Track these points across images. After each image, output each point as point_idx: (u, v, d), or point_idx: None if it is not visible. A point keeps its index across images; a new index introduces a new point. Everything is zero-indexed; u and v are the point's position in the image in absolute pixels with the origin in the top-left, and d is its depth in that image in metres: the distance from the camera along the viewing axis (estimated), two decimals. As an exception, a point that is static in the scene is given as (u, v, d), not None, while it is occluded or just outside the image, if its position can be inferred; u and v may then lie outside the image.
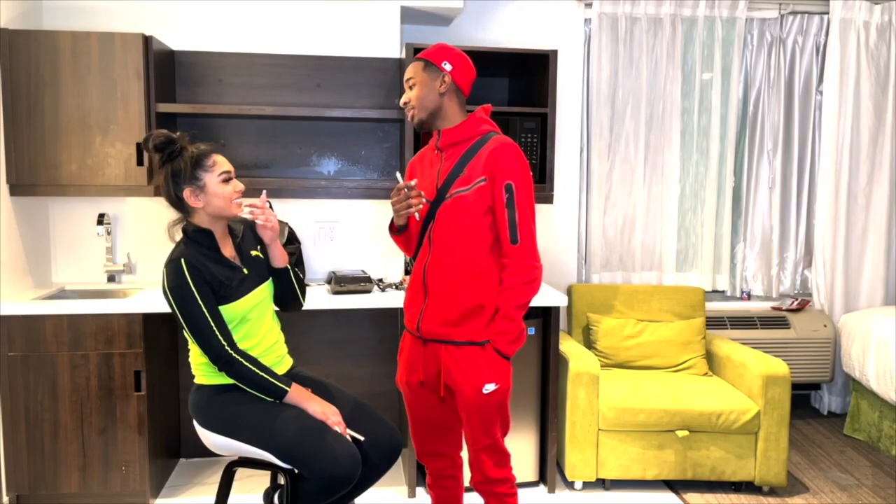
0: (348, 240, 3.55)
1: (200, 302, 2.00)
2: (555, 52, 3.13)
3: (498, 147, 2.03)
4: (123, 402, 2.83)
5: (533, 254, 2.05)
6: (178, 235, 2.11)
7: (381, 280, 3.32)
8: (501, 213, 2.03)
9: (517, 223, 2.02)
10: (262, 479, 2.84)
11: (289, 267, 2.23)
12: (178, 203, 2.07)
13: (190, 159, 2.03)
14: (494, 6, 3.64)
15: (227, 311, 2.05)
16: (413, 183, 2.09)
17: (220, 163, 2.07)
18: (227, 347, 2.01)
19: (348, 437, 2.07)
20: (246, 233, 2.21)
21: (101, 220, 3.23)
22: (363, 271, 3.25)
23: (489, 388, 2.06)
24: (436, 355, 2.13)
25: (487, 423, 2.11)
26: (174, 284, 2.00)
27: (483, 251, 2.07)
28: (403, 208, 2.09)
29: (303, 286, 2.30)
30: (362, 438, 2.12)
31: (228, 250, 2.14)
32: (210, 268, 2.04)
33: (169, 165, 2.05)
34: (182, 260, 2.00)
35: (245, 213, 2.10)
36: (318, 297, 3.01)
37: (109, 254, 3.34)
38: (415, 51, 2.98)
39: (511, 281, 2.03)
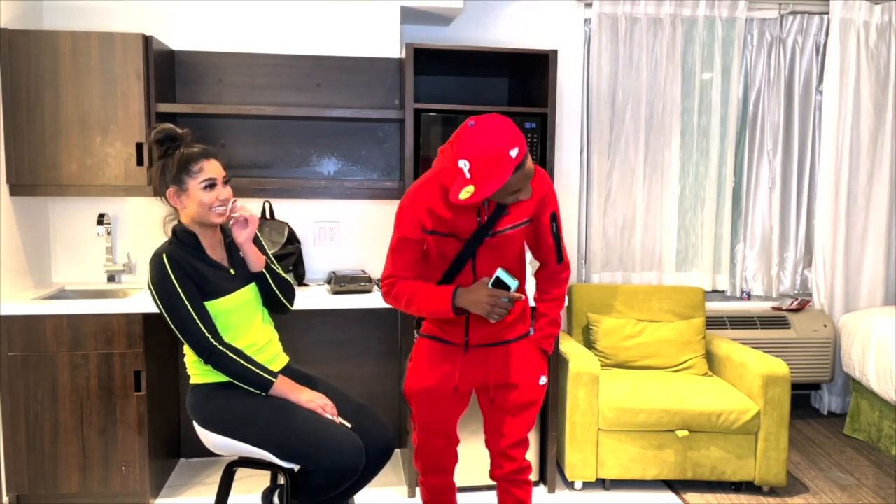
0: (348, 240, 3.55)
1: (183, 296, 2.00)
2: (555, 52, 3.13)
3: (541, 184, 2.07)
4: (123, 402, 2.83)
5: (569, 265, 2.25)
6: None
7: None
8: (547, 240, 2.15)
9: (562, 246, 2.18)
10: (262, 479, 2.83)
11: (265, 272, 2.19)
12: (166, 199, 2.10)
13: (178, 161, 2.04)
14: (494, 6, 3.64)
15: (211, 307, 2.06)
16: (519, 295, 2.02)
17: (207, 169, 2.05)
18: (210, 339, 2.02)
19: (339, 421, 2.09)
20: None
21: (101, 220, 3.24)
22: (363, 271, 3.25)
23: (544, 379, 2.21)
24: (482, 359, 2.16)
25: (535, 414, 2.24)
26: (156, 279, 2.01)
27: (521, 266, 2.18)
28: (502, 315, 2.01)
29: (287, 290, 2.26)
30: (349, 425, 2.12)
31: (218, 251, 2.15)
32: (193, 264, 2.05)
33: (162, 161, 2.07)
34: (164, 255, 2.02)
35: (218, 219, 2.07)
36: (318, 297, 3.01)
37: (109, 254, 3.34)
38: (416, 50, 2.98)
39: (558, 292, 2.24)
